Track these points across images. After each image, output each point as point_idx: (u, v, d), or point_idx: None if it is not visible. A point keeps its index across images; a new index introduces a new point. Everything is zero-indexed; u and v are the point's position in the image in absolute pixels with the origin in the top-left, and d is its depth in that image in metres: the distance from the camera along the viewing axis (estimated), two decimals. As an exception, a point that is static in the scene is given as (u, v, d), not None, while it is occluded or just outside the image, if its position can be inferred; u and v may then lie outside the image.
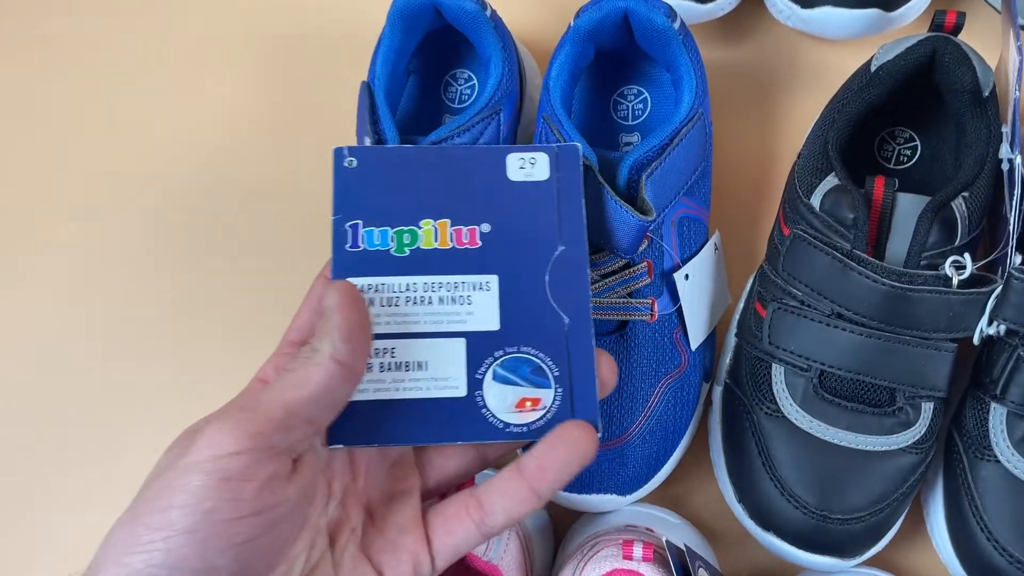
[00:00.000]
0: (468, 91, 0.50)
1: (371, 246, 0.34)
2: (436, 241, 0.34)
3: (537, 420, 0.32)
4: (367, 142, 0.42)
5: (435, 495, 0.34)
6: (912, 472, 0.40)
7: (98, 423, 0.51)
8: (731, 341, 0.45)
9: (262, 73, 0.56)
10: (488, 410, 0.32)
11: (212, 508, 0.26)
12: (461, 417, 0.32)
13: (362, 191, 0.34)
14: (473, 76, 0.50)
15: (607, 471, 0.42)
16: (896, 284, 0.38)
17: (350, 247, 0.34)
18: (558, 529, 0.46)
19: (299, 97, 0.55)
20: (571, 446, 0.30)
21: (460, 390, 0.32)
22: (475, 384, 0.32)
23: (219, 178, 0.54)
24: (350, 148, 0.35)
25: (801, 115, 0.51)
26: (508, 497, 0.31)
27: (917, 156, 0.46)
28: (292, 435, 0.28)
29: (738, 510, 0.42)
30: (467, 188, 0.34)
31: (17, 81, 0.57)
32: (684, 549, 0.37)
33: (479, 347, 0.33)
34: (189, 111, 0.55)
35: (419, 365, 0.32)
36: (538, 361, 0.33)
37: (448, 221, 0.34)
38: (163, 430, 0.32)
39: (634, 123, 0.48)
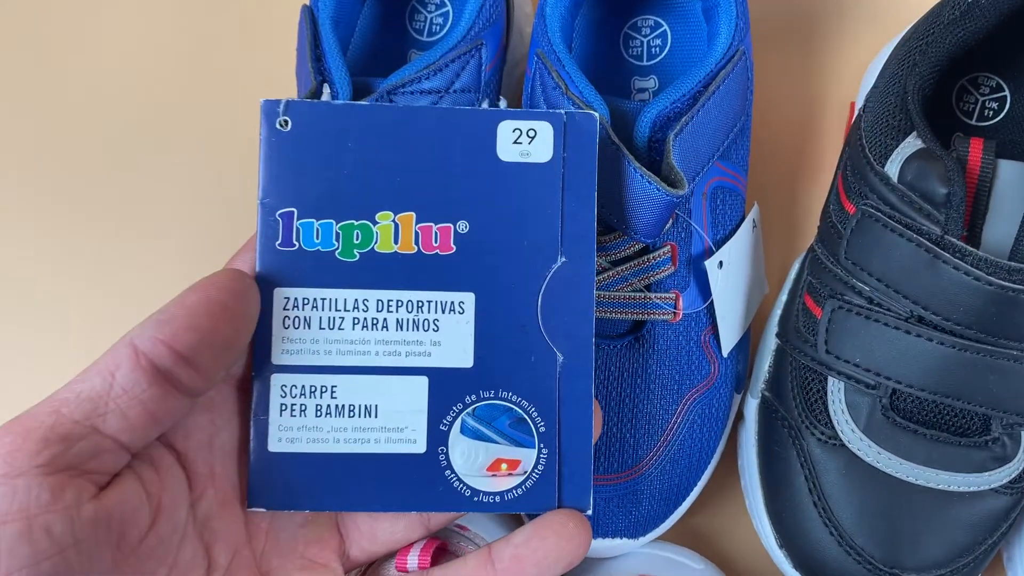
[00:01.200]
0: (440, 19, 0.39)
1: (309, 245, 0.25)
2: (396, 243, 0.25)
3: (513, 488, 0.25)
4: (308, 87, 0.32)
5: (358, 567, 0.27)
6: (1005, 518, 0.32)
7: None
8: (770, 342, 0.36)
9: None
10: (453, 472, 0.25)
11: None
12: (418, 480, 0.25)
13: (299, 166, 0.25)
14: (447, 0, 0.40)
15: (616, 511, 0.33)
16: (1004, 283, 0.28)
17: (281, 244, 0.25)
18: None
19: (221, 26, 0.44)
20: (561, 541, 0.24)
21: (418, 445, 0.25)
22: (438, 438, 0.25)
23: (122, 134, 0.43)
24: (287, 103, 0.26)
25: (853, 59, 0.41)
26: None
27: (1006, 110, 0.37)
28: (71, 449, 0.21)
29: (779, 556, 0.34)
30: (442, 168, 0.25)
31: None
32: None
33: (445, 389, 0.25)
34: (90, 48, 0.44)
35: (367, 410, 0.25)
36: (520, 411, 0.25)
37: (413, 215, 0.25)
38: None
39: (650, 64, 0.38)
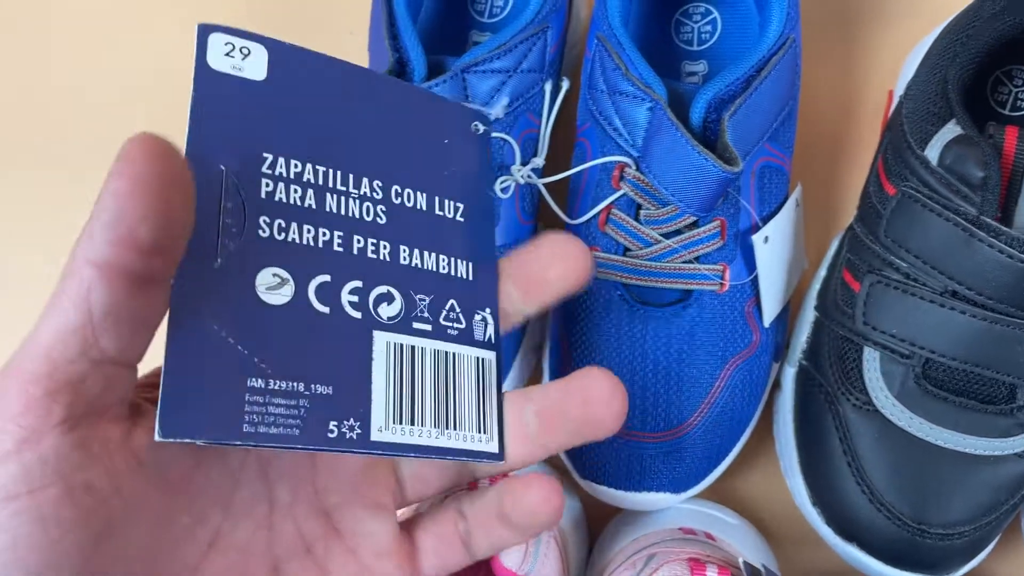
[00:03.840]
0: (501, 2, 0.42)
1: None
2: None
3: None
4: (385, 62, 0.34)
5: (408, 505, 0.27)
6: (1025, 481, 0.34)
7: None
8: (808, 315, 0.38)
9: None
10: None
11: None
12: None
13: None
14: (508, -15, 0.42)
15: (661, 466, 0.36)
16: (1035, 261, 0.31)
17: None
18: (592, 522, 0.40)
19: (298, 5, 0.46)
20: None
21: None
22: None
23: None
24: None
25: (892, 48, 0.43)
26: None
27: (1039, 101, 0.39)
28: (81, 392, 0.19)
29: (812, 514, 0.36)
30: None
31: None
32: (763, 571, 0.31)
33: None
34: (169, 32, 0.46)
35: None
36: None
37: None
38: None
39: (700, 49, 0.40)
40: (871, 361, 0.34)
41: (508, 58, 0.35)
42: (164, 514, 0.22)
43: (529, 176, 0.35)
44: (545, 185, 0.36)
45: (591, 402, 0.25)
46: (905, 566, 0.34)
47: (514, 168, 0.35)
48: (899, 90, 0.40)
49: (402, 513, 0.27)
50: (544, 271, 0.26)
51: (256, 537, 0.24)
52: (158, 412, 0.20)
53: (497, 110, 0.32)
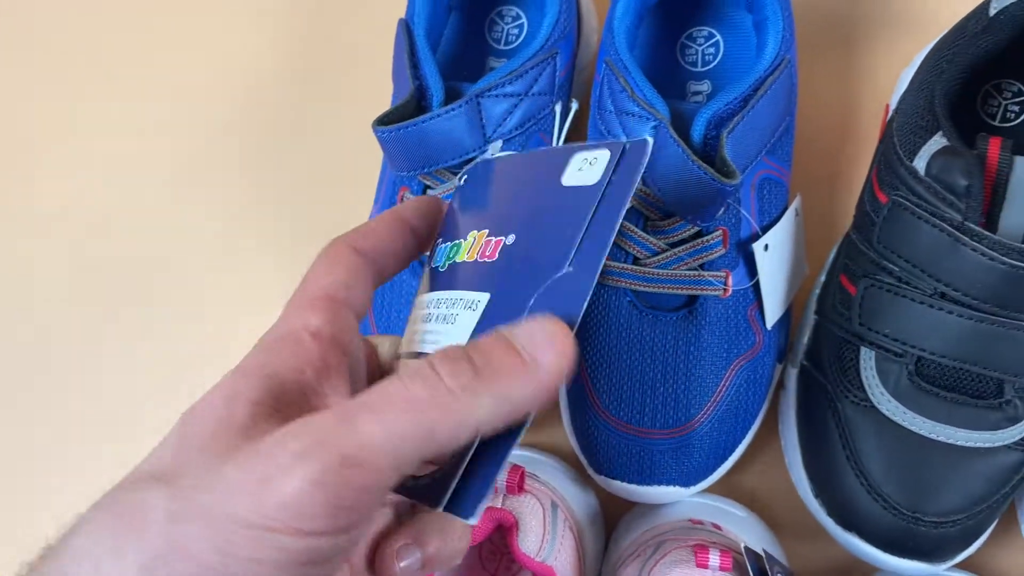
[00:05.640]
0: (516, 31, 0.44)
1: (436, 263, 0.29)
2: (467, 254, 0.28)
3: None
4: (407, 89, 0.37)
5: None
6: (1016, 471, 0.36)
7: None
8: (809, 318, 0.40)
9: (290, 10, 0.50)
10: None
11: None
12: None
13: (459, 210, 0.29)
14: (522, 14, 0.45)
15: (670, 462, 0.38)
16: (1016, 263, 0.33)
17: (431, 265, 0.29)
18: (608, 517, 0.43)
19: (329, 37, 0.50)
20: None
21: None
22: None
23: (244, 129, 0.49)
24: (468, 169, 0.30)
25: (888, 64, 0.45)
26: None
27: (1027, 112, 0.41)
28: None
29: (814, 505, 0.38)
30: (520, 193, 0.28)
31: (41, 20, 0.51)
32: (763, 555, 0.33)
33: None
34: (212, 56, 0.50)
35: None
36: None
37: (487, 231, 0.27)
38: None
39: (704, 70, 0.43)
40: (867, 360, 0.36)
41: (520, 83, 0.37)
42: None
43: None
44: (558, 199, 0.39)
45: None
46: (902, 553, 0.36)
47: (529, 184, 0.38)
48: (895, 104, 0.42)
49: None
50: None
51: None
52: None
53: (494, 148, 0.35)
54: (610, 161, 0.26)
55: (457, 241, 0.28)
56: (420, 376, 0.21)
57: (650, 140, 0.26)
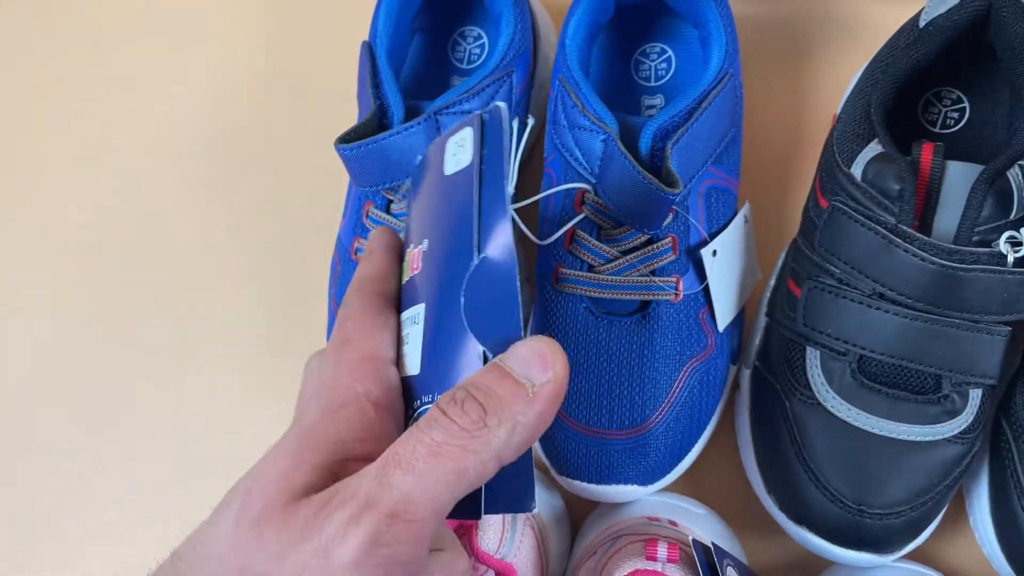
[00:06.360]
0: (478, 50, 0.46)
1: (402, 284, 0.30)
2: (409, 271, 0.28)
3: None
4: (369, 109, 0.39)
5: None
6: (957, 464, 0.37)
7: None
8: (761, 321, 0.42)
9: (254, 32, 0.52)
10: None
11: None
12: None
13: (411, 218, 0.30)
14: (484, 34, 0.46)
15: (628, 461, 0.39)
16: (946, 263, 0.34)
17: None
18: (574, 518, 0.44)
19: (294, 59, 0.52)
20: None
21: None
22: None
23: (208, 151, 0.51)
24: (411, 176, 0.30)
25: (837, 75, 0.47)
26: None
27: (965, 120, 0.42)
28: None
29: (768, 501, 0.40)
30: (425, 196, 0.28)
31: (9, 36, 0.54)
32: (712, 547, 0.34)
33: (406, 397, 0.27)
34: (178, 73, 0.52)
35: None
36: None
37: (411, 244, 0.28)
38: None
39: (657, 84, 0.45)
40: (812, 359, 0.38)
41: (477, 100, 0.39)
42: None
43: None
44: (516, 211, 0.40)
45: None
46: (851, 545, 0.37)
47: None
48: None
49: None
50: None
51: None
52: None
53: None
54: (474, 136, 0.26)
55: (405, 260, 0.30)
56: (435, 423, 0.23)
57: (502, 105, 0.26)
